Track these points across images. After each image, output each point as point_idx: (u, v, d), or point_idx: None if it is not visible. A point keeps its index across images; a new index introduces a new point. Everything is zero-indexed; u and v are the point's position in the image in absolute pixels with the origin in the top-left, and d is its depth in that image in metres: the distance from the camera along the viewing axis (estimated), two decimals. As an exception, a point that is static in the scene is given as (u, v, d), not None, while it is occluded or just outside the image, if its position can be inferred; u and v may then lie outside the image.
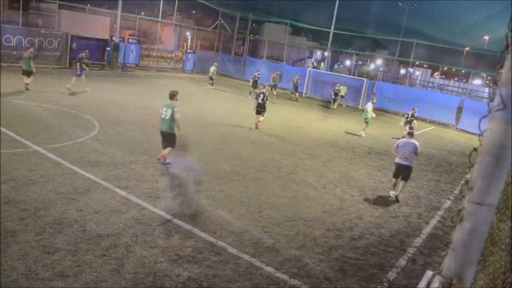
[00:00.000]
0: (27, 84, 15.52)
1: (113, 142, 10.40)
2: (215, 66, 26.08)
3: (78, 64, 17.48)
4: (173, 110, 8.99)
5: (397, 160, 9.37)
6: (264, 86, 15.92)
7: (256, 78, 24.24)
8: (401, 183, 9.38)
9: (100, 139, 10.47)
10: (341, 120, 21.24)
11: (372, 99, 17.63)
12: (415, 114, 16.90)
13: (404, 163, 9.19)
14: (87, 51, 19.31)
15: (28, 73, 15.48)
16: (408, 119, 16.41)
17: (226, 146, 11.87)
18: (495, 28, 25.99)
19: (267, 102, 14.94)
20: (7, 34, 21.42)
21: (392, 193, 9.61)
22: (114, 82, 21.47)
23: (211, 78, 25.66)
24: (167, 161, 9.30)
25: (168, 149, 9.24)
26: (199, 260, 5.50)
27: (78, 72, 17.39)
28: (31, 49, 16.93)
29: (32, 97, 14.35)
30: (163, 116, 9.09)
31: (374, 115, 16.83)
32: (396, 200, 9.42)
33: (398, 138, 18.37)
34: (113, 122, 12.47)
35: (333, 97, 25.45)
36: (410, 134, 9.43)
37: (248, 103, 21.69)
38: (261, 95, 14.87)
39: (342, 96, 26.62)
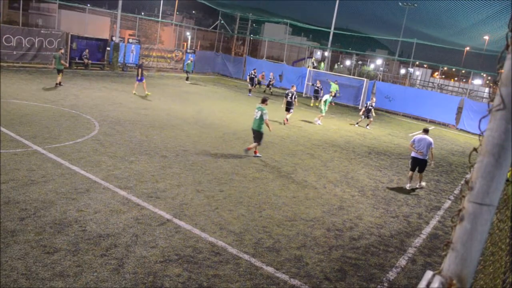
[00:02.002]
0: (60, 82, 17.36)
1: (113, 142, 10.40)
2: (190, 61, 27.02)
3: (139, 69, 18.51)
4: (262, 112, 10.83)
5: (413, 154, 10.32)
6: (293, 86, 17.59)
7: (253, 76, 25.37)
8: (418, 174, 10.47)
9: (100, 139, 10.48)
10: (341, 120, 21.25)
11: (331, 92, 19.23)
12: (373, 104, 19.48)
13: (420, 157, 10.16)
14: (143, 60, 20.41)
15: (60, 71, 17.28)
16: (367, 107, 19.16)
17: (226, 146, 11.87)
18: (495, 28, 25.99)
19: (295, 100, 17.18)
20: (7, 34, 21.41)
21: (408, 186, 10.52)
22: (114, 82, 21.47)
23: (187, 72, 26.64)
24: (258, 155, 11.21)
25: (254, 144, 11.05)
26: (199, 260, 5.50)
27: (139, 78, 18.49)
28: (62, 50, 18.70)
29: (32, 97, 14.36)
30: (254, 116, 10.98)
31: (326, 107, 18.35)
32: (413, 190, 10.47)
33: (352, 124, 19.38)
34: (113, 122, 12.47)
35: (313, 94, 25.39)
36: (425, 131, 10.36)
37: (248, 102, 21.70)
38: (290, 94, 17.00)
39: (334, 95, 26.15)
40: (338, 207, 8.45)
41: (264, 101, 11.20)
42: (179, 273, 5.12)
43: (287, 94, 17.17)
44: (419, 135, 10.40)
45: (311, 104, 24.74)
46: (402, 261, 6.53)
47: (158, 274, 5.04)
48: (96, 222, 6.10)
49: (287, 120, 17.04)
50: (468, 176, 1.12)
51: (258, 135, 10.96)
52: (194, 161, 9.97)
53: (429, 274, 1.13)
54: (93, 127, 11.60)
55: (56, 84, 17.27)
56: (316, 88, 25.09)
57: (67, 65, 17.69)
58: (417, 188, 10.58)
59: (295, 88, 17.59)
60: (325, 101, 18.05)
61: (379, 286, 5.68)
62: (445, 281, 1.09)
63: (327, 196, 9.03)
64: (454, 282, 1.08)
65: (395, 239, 7.33)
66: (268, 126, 10.96)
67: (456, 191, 11.24)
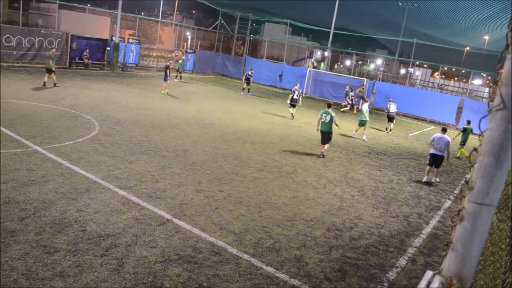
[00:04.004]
0: (54, 82, 17.18)
1: (113, 142, 10.40)
2: (182, 60, 27.37)
3: (168, 70, 19.94)
4: (332, 115, 12.17)
5: (432, 151, 11.37)
6: (297, 84, 19.01)
7: (249, 76, 25.72)
8: (435, 169, 11.51)
9: (100, 139, 10.48)
10: (341, 120, 21.22)
11: (367, 100, 18.01)
12: (389, 107, 19.25)
13: (438, 153, 11.20)
14: (170, 61, 22.55)
15: (53, 71, 16.97)
16: (388, 112, 19.22)
17: (226, 146, 11.87)
18: (495, 28, 25.98)
19: (300, 97, 18.49)
20: (7, 34, 21.42)
21: (425, 179, 11.53)
22: (114, 82, 21.47)
23: (179, 72, 26.70)
24: (325, 154, 12.46)
25: (327, 145, 12.44)
26: (199, 260, 5.50)
27: (168, 77, 19.95)
28: (54, 49, 18.47)
29: (32, 97, 14.36)
30: (323, 120, 12.21)
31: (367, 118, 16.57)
32: (430, 184, 11.44)
33: (382, 131, 18.97)
34: (113, 122, 12.47)
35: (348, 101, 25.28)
36: (444, 130, 11.48)
37: (248, 102, 21.71)
38: (295, 92, 18.22)
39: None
40: (338, 207, 8.45)
41: (329, 106, 12.60)
42: (179, 273, 5.12)
43: (293, 92, 18.30)
44: (438, 134, 11.41)
45: (342, 110, 24.65)
46: (402, 261, 6.53)
47: (158, 274, 5.04)
48: (96, 222, 6.10)
49: (292, 116, 18.35)
50: (468, 176, 1.12)
51: (329, 136, 12.36)
52: (194, 161, 9.96)
53: (429, 274, 1.13)
54: (93, 127, 11.60)
55: (55, 84, 17.16)
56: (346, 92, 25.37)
57: (53, 68, 17.08)
58: (433, 182, 11.57)
59: (298, 85, 18.95)
60: (365, 111, 16.13)
61: (379, 286, 5.68)
62: (445, 281, 1.09)
63: (327, 196, 9.03)
64: (454, 282, 1.08)
65: (395, 239, 7.33)
66: (338, 126, 12.63)
67: (456, 191, 11.24)
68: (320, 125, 12.34)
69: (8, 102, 12.80)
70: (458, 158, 15.78)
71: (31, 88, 15.91)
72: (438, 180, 11.76)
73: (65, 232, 5.69)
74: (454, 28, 30.79)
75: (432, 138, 11.46)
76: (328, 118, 12.19)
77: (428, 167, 11.53)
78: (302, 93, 18.65)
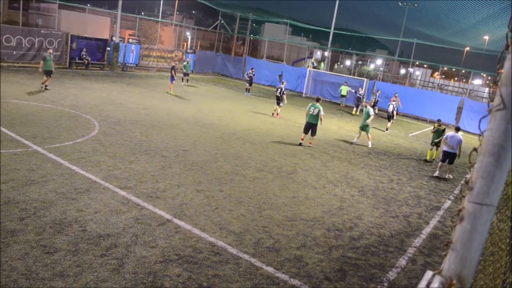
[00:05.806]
0: (47, 84, 16.35)
1: (113, 142, 10.40)
2: (187, 62, 26.32)
3: (173, 71, 20.47)
4: (319, 109, 13.01)
5: (445, 148, 12.02)
6: (283, 82, 19.28)
7: (251, 75, 25.62)
8: (448, 166, 12.17)
9: (100, 139, 10.47)
10: (341, 120, 21.25)
11: (371, 101, 17.68)
12: (390, 106, 19.45)
13: (451, 151, 11.83)
14: (177, 62, 23.28)
15: (49, 73, 16.30)
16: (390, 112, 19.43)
17: (226, 146, 11.87)
18: (495, 28, 25.98)
19: (284, 94, 18.39)
20: (7, 34, 21.42)
21: (436, 173, 12.30)
22: (114, 82, 21.47)
23: (185, 74, 25.69)
24: (311, 145, 13.38)
25: (314, 137, 13.39)
26: (199, 260, 5.50)
27: (174, 78, 20.52)
28: (50, 50, 17.65)
29: (32, 97, 14.36)
30: (311, 112, 13.05)
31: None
32: (444, 179, 12.14)
33: (382, 130, 18.78)
34: (113, 122, 12.47)
35: (355, 102, 24.86)
36: (457, 129, 12.21)
37: (247, 102, 21.71)
38: (279, 90, 18.41)
39: (343, 96, 26.85)
40: (338, 207, 8.45)
41: (318, 100, 13.50)
42: (179, 273, 5.12)
43: (277, 90, 18.61)
44: (451, 132, 12.13)
45: (353, 113, 24.26)
46: (402, 261, 6.53)
47: (158, 274, 5.04)
48: (96, 222, 6.10)
49: (277, 114, 18.40)
50: (468, 176, 1.12)
51: (314, 129, 13.17)
52: (194, 161, 9.96)
53: (429, 274, 1.13)
54: (93, 127, 11.60)
55: (42, 85, 16.12)
56: (358, 95, 24.74)
57: (40, 69, 16.22)
58: (447, 178, 12.22)
59: (285, 84, 19.23)
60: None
61: (379, 286, 5.68)
62: (445, 281, 1.09)
63: (327, 196, 9.03)
64: (454, 282, 1.08)
65: (395, 239, 7.33)
66: (322, 120, 13.31)
67: (456, 191, 11.23)
68: (307, 117, 13.24)
69: (8, 102, 12.80)
70: (426, 161, 14.15)
71: (31, 88, 15.90)
72: (451, 176, 12.36)
73: (65, 232, 5.69)
74: (454, 28, 30.78)
75: (445, 136, 12.16)
76: (316, 111, 13.02)
77: (440, 163, 12.26)
78: (284, 90, 18.55)
